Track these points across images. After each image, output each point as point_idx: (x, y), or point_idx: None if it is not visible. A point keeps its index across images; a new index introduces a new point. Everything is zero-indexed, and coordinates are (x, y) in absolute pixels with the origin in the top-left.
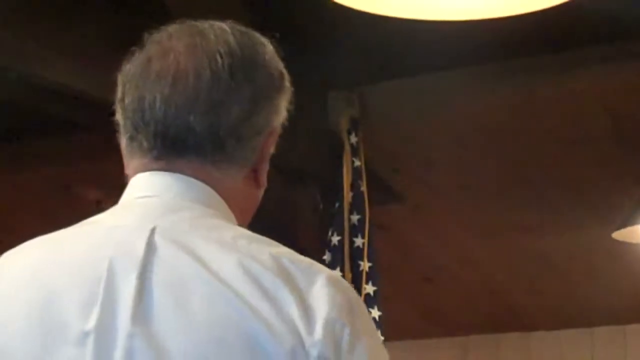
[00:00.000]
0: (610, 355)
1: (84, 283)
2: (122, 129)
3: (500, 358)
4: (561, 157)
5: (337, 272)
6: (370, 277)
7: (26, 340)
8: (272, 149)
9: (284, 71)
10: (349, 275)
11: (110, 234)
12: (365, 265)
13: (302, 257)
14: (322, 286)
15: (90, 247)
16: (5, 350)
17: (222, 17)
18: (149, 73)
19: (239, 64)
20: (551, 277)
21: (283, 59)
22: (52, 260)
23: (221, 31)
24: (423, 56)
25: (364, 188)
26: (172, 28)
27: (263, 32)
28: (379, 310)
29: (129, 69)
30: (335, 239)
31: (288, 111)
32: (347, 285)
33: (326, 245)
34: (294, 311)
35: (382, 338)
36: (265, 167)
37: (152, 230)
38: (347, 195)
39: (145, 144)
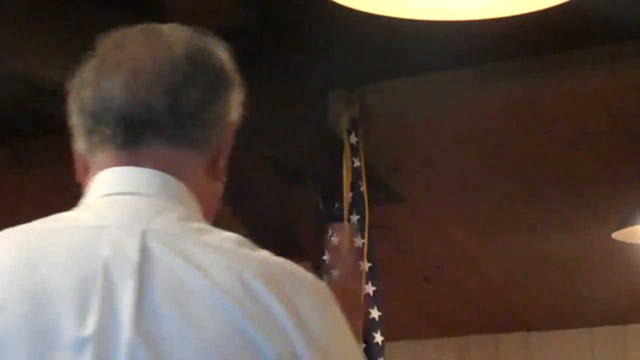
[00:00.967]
0: (610, 355)
1: (76, 285)
2: (79, 129)
3: (500, 358)
4: (561, 157)
5: (320, 281)
6: (370, 277)
7: (14, 343)
8: (230, 144)
9: (236, 73)
10: None
11: (98, 234)
12: (365, 265)
13: (283, 261)
14: (308, 295)
15: (78, 246)
16: None
17: (221, 16)
18: (106, 66)
19: (196, 53)
20: (551, 277)
21: (282, 59)
22: (37, 259)
23: (175, 28)
24: (423, 56)
25: (363, 188)
26: (125, 30)
27: (263, 32)
28: (379, 310)
29: (84, 70)
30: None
31: (242, 116)
32: (329, 293)
33: (326, 245)
34: (284, 321)
35: (382, 338)
36: (223, 160)
37: (144, 233)
38: (347, 195)
39: (107, 131)
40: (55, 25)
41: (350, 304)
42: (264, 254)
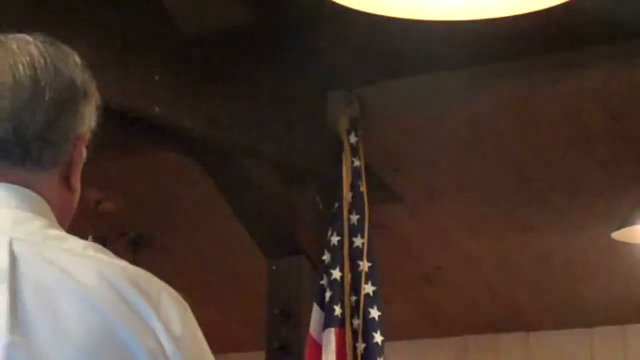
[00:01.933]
0: (610, 355)
1: None
2: None
3: (500, 358)
4: (561, 157)
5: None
6: (370, 277)
7: None
8: (83, 156)
9: (91, 81)
10: (348, 275)
11: None
12: (365, 265)
13: (140, 269)
14: (167, 300)
15: None
16: None
17: (221, 17)
18: None
19: (41, 72)
20: (551, 277)
21: (282, 59)
22: None
23: (24, 43)
24: (423, 56)
25: (363, 188)
26: None
27: (262, 32)
28: (379, 310)
29: None
30: (335, 239)
31: (97, 119)
32: (183, 300)
33: (326, 245)
34: (153, 322)
35: (383, 338)
36: (77, 173)
37: (10, 241)
38: (347, 195)
39: None
40: (55, 26)
41: None
42: (124, 261)
